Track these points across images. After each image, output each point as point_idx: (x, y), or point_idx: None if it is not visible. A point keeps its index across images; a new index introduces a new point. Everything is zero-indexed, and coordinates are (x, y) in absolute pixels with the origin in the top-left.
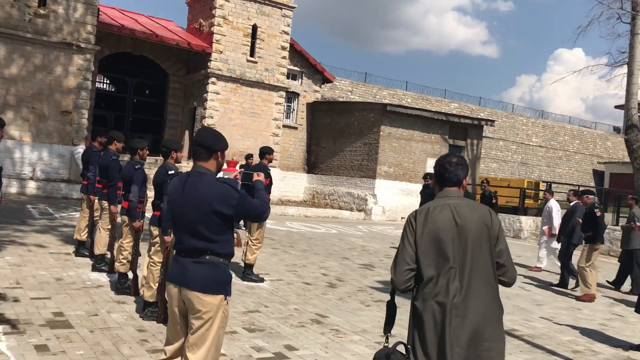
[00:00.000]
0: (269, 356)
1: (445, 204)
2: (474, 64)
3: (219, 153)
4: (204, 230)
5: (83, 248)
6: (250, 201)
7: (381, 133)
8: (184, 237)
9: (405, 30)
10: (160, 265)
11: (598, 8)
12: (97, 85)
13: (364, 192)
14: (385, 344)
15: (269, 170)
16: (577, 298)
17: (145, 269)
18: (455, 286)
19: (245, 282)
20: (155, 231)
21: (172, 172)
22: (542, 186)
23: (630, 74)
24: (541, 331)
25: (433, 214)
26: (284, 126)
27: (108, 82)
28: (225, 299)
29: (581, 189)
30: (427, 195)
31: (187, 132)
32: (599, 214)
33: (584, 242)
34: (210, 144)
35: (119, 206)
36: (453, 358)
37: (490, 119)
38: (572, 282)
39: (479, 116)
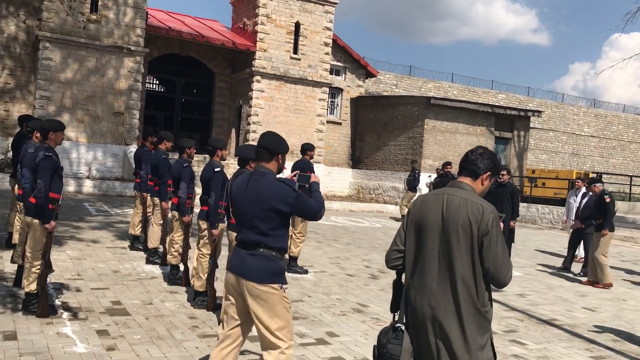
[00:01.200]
0: (311, 341)
1: (441, 195)
2: (525, 53)
3: (279, 155)
4: (261, 225)
5: (137, 242)
6: (306, 201)
7: (425, 127)
8: (244, 231)
9: (453, 20)
10: (208, 257)
11: None
12: (147, 86)
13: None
14: (392, 322)
15: (312, 166)
16: (593, 284)
17: (195, 261)
18: (429, 277)
19: (290, 274)
20: (204, 225)
21: (219, 169)
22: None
23: None
24: (582, 321)
25: (426, 203)
26: (328, 122)
27: (157, 82)
28: (282, 287)
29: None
30: (440, 185)
31: (233, 130)
32: (608, 200)
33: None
34: (273, 147)
35: (170, 202)
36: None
37: (538, 109)
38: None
39: (527, 107)
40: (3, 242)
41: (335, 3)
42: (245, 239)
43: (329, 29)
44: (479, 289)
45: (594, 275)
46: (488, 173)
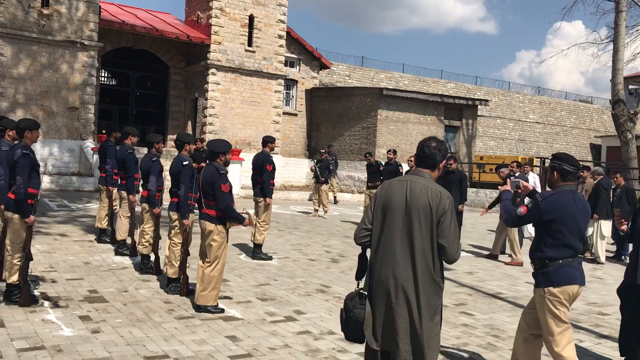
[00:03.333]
0: (280, 319)
1: (405, 181)
2: (473, 42)
3: (440, 165)
4: None
5: (104, 235)
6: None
7: (378, 117)
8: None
9: (403, 9)
10: (180, 245)
11: None
12: (101, 80)
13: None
14: (356, 289)
15: (271, 158)
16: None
17: (167, 250)
18: (392, 252)
19: (255, 260)
20: (175, 216)
21: (187, 162)
22: (536, 162)
23: (615, 51)
24: (525, 294)
25: (392, 187)
26: (284, 113)
27: (111, 76)
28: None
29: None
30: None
31: (189, 123)
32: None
33: None
34: (436, 160)
35: (139, 195)
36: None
37: (485, 98)
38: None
39: (475, 95)
40: None
41: None
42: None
43: (282, 21)
44: (435, 263)
45: (494, 249)
46: (442, 163)
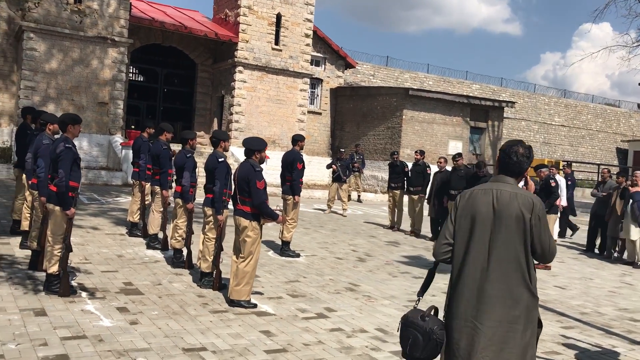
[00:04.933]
0: (312, 315)
1: (489, 189)
2: (497, 43)
3: (525, 173)
4: None
5: (136, 229)
6: None
7: (404, 117)
8: None
9: (426, 9)
10: (214, 240)
11: None
12: (129, 76)
13: (387, 175)
14: (415, 306)
15: (302, 156)
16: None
17: (201, 244)
18: (481, 266)
19: (284, 257)
20: (209, 211)
21: (222, 159)
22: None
23: None
24: (554, 297)
25: (475, 197)
26: (309, 112)
27: (138, 72)
28: None
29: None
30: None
31: (215, 120)
32: (553, 184)
33: None
34: (523, 168)
35: (172, 190)
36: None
37: (511, 100)
38: None
39: (500, 97)
40: (7, 229)
41: None
42: None
43: (309, 20)
44: (531, 274)
45: None
46: (528, 169)
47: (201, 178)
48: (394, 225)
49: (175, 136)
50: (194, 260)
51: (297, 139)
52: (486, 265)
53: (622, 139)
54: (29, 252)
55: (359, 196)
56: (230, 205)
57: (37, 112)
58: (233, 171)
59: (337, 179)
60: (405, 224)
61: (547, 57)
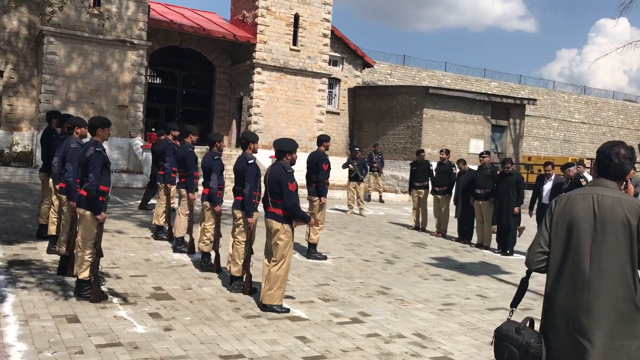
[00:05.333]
0: (347, 320)
1: (588, 194)
2: (512, 40)
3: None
4: None
5: (161, 232)
6: None
7: (424, 116)
8: None
9: (440, 7)
10: (244, 244)
11: None
12: (148, 79)
13: (408, 174)
14: (509, 317)
15: (327, 157)
16: None
17: (231, 248)
18: (581, 277)
19: (311, 260)
20: (239, 214)
21: (252, 161)
22: (587, 163)
23: None
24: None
25: (573, 202)
26: (327, 112)
27: (156, 75)
28: None
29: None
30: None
31: (234, 121)
32: (584, 183)
33: None
34: (625, 170)
35: (199, 193)
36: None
37: (532, 97)
38: None
39: (519, 94)
40: (33, 233)
41: None
42: None
43: (327, 20)
44: (637, 286)
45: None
46: (632, 171)
47: (227, 180)
48: (419, 226)
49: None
50: (223, 264)
51: (323, 140)
52: (587, 276)
53: None
54: (57, 257)
55: (380, 196)
56: (260, 208)
57: (63, 116)
58: (263, 173)
59: (355, 178)
60: (431, 225)
61: (563, 53)
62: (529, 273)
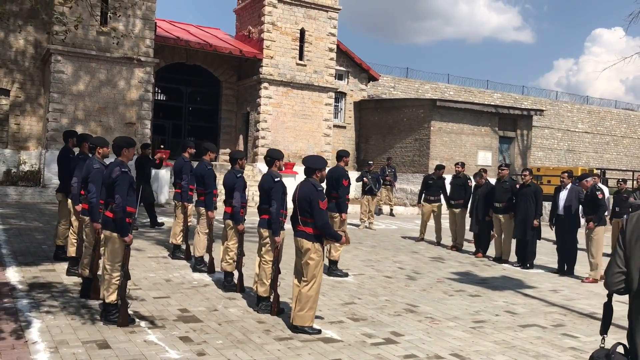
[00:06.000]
0: (380, 341)
1: None
2: (509, 51)
3: None
4: None
5: (178, 251)
6: None
7: (432, 128)
8: None
9: (436, 19)
10: (271, 263)
11: None
12: (155, 96)
13: (417, 187)
14: (601, 345)
15: (347, 172)
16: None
17: (257, 267)
18: None
19: (332, 277)
20: (265, 233)
21: (278, 179)
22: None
23: None
24: (620, 314)
25: None
26: (333, 126)
27: (164, 92)
28: None
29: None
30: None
31: (241, 137)
32: (600, 195)
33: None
34: None
35: (219, 211)
36: None
37: (538, 108)
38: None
39: (523, 105)
40: (49, 255)
41: (339, 9)
42: None
43: (333, 34)
44: None
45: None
46: None
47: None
48: (423, 238)
49: (198, 154)
50: (250, 284)
51: (342, 155)
52: None
53: None
54: (77, 279)
55: (391, 210)
56: (286, 226)
57: (81, 136)
58: (292, 191)
59: (369, 191)
60: (447, 239)
61: (560, 63)
62: (610, 296)
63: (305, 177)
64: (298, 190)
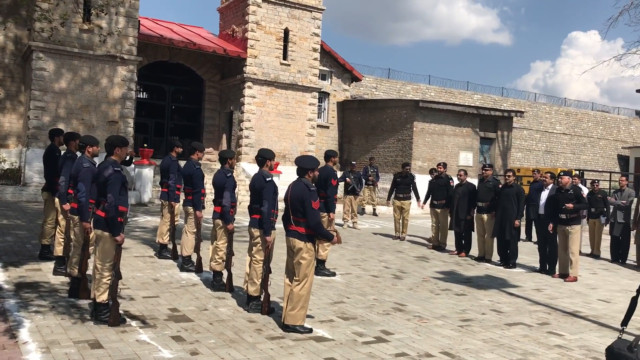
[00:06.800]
0: (371, 340)
1: None
2: (488, 53)
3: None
4: None
5: (165, 251)
6: None
7: (414, 129)
8: None
9: (416, 21)
10: (262, 262)
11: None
12: (137, 94)
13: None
14: (620, 336)
15: (335, 172)
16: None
17: (248, 267)
18: None
19: (319, 277)
20: (256, 232)
21: (270, 178)
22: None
23: None
24: (602, 312)
25: None
26: (317, 126)
27: (146, 90)
28: None
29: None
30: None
31: (224, 136)
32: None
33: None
34: None
35: (207, 211)
36: None
37: (519, 110)
38: None
39: (502, 106)
40: (34, 254)
41: (323, 9)
42: None
43: (317, 34)
44: None
45: (564, 268)
46: None
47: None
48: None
49: (184, 154)
50: (240, 284)
51: (331, 155)
52: None
53: (622, 146)
54: (64, 279)
55: (374, 209)
56: (277, 225)
57: (67, 134)
58: (282, 190)
59: (352, 191)
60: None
61: (537, 65)
62: (638, 291)
63: (297, 177)
64: (290, 190)
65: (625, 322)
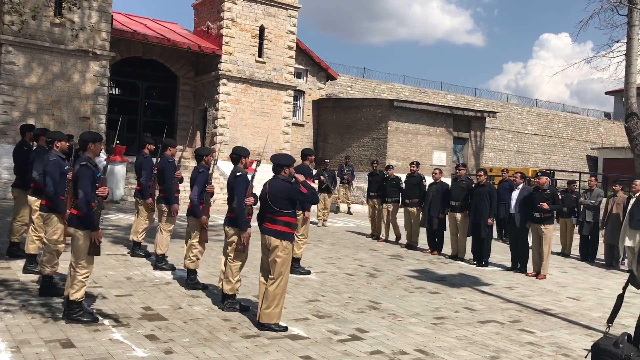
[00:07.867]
0: (346, 338)
1: None
2: (461, 53)
3: None
4: None
5: (138, 249)
6: None
7: (389, 128)
8: None
9: (391, 20)
10: (237, 260)
11: (597, 3)
12: (110, 90)
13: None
14: (606, 333)
15: (312, 171)
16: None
17: (223, 265)
18: None
19: (294, 275)
20: (230, 231)
21: (239, 173)
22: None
23: (628, 64)
24: (572, 310)
25: None
26: (292, 124)
27: (119, 86)
28: None
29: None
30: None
31: (198, 133)
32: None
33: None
34: None
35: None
36: None
37: (492, 110)
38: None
39: (475, 107)
40: (2, 252)
41: (298, 7)
42: None
43: (292, 32)
44: None
45: (537, 266)
46: None
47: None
48: (374, 234)
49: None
50: (213, 281)
51: (307, 154)
52: None
53: (591, 147)
54: (34, 277)
55: (348, 208)
56: (252, 223)
57: (39, 130)
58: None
59: (326, 189)
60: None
61: (510, 67)
62: (624, 289)
63: (273, 174)
64: (268, 188)
65: (611, 320)
